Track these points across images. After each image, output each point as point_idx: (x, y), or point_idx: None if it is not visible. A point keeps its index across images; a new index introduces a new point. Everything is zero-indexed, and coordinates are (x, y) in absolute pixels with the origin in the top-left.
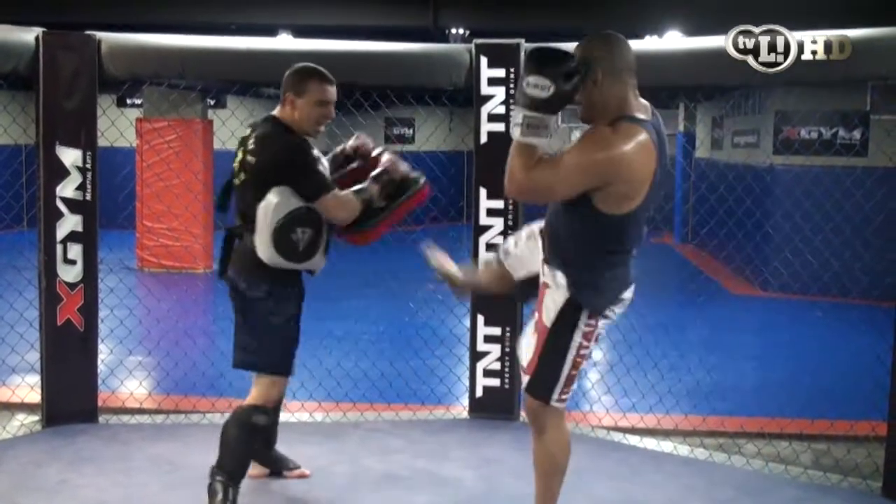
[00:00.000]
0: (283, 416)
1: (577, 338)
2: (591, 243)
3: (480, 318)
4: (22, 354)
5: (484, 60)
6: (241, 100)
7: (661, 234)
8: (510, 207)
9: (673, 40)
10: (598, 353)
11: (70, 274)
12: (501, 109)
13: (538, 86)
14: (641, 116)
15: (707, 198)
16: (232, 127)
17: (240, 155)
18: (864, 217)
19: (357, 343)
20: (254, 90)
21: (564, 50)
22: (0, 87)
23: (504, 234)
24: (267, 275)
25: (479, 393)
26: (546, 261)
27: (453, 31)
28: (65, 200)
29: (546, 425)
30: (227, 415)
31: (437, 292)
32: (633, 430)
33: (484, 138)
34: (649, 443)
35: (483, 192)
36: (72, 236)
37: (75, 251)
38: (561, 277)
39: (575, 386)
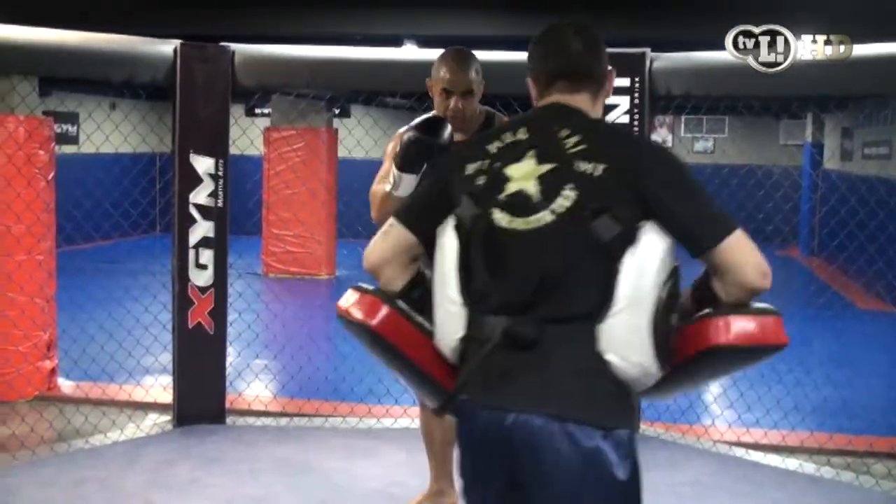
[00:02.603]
0: None
1: None
2: None
3: None
4: (156, 356)
5: None
6: (366, 109)
7: (786, 247)
8: None
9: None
10: None
11: (201, 278)
12: (626, 118)
13: None
14: None
15: (837, 210)
16: (357, 135)
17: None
18: None
19: None
20: (378, 100)
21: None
22: (139, 98)
23: None
24: (627, 411)
25: None
26: None
27: None
28: (198, 207)
29: None
30: (348, 419)
31: None
32: (756, 446)
33: None
34: (773, 459)
35: None
36: (204, 242)
37: (207, 256)
38: None
39: None
